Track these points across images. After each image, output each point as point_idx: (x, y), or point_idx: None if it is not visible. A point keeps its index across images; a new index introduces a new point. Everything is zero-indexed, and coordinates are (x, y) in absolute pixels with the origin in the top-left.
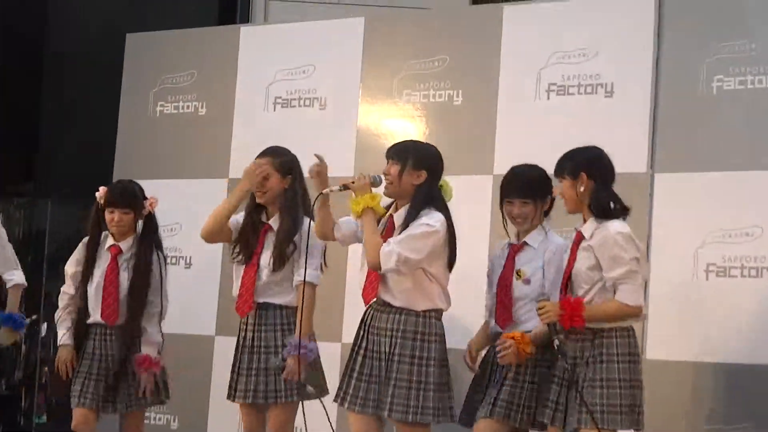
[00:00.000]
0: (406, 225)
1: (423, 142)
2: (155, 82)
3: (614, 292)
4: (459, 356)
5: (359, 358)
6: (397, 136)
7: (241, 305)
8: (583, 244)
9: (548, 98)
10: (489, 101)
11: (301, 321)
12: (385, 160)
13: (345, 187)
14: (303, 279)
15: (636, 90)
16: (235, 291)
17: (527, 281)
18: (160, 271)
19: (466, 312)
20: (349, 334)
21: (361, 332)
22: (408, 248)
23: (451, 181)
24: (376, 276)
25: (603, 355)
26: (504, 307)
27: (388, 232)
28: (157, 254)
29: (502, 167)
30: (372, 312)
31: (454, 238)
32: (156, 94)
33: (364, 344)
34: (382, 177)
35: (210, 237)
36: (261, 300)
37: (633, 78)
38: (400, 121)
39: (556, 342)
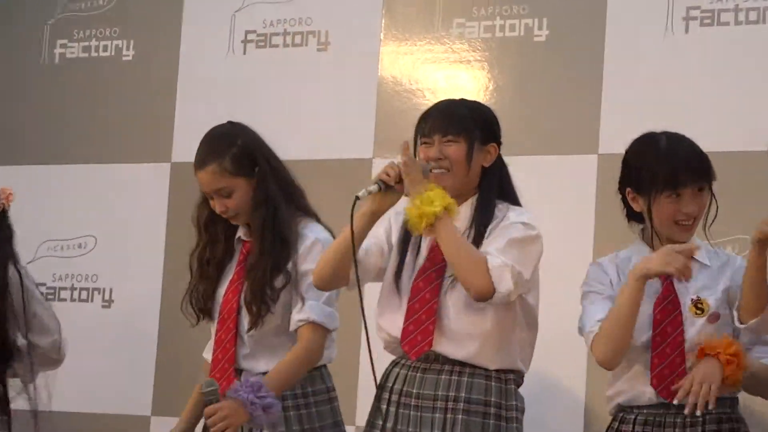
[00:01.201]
0: (480, 231)
1: (476, 101)
2: (52, 10)
3: None
4: None
5: None
6: (442, 93)
7: (219, 376)
8: None
9: (686, 30)
10: (591, 35)
11: (285, 370)
12: (417, 132)
13: (385, 186)
14: (304, 318)
15: None
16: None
17: (715, 317)
18: (23, 294)
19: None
20: (365, 413)
21: (384, 405)
22: (517, 259)
23: (527, 163)
24: (428, 312)
25: None
26: (672, 363)
27: (435, 253)
28: (16, 268)
29: (612, 143)
30: (404, 372)
31: None
32: (54, 29)
33: (389, 424)
34: (428, 165)
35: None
36: (245, 366)
37: None
38: (448, 69)
39: None
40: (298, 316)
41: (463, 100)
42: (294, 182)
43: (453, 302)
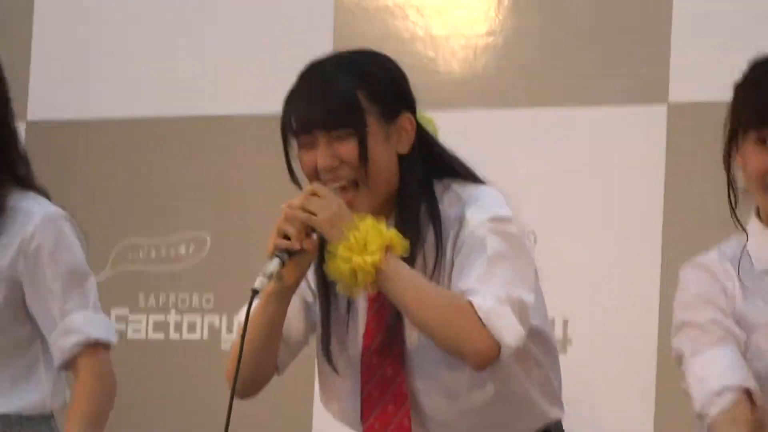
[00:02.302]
0: (432, 252)
1: (359, 51)
2: None
3: None
4: None
5: None
6: (432, 12)
7: None
8: None
9: None
10: None
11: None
12: (286, 126)
13: (289, 254)
14: (81, 341)
15: None
16: None
17: None
18: None
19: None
20: None
21: None
22: (510, 281)
23: (566, 118)
24: (397, 398)
25: None
26: None
27: (379, 303)
28: None
29: (684, 89)
30: None
31: None
32: None
33: None
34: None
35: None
36: None
37: None
38: None
39: None
40: (67, 339)
41: (338, 57)
42: (17, 145)
43: (426, 369)
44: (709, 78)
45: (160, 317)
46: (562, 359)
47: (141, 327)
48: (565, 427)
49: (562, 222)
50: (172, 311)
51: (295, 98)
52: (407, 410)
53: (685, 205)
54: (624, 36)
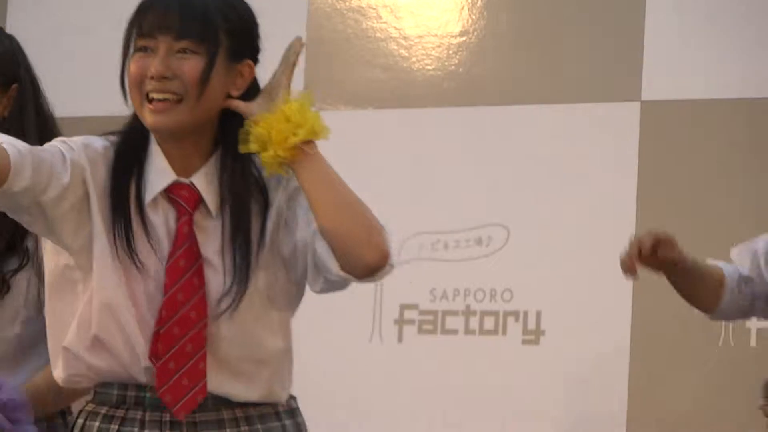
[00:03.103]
0: (245, 204)
1: None
2: None
3: None
4: None
5: None
6: (406, 13)
7: None
8: None
9: None
10: None
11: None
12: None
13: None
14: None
15: None
16: None
17: None
18: None
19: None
20: None
21: None
22: None
23: (542, 114)
24: (196, 341)
25: None
26: None
27: (189, 239)
28: None
29: (657, 87)
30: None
31: None
32: None
33: None
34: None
35: None
36: None
37: None
38: None
39: None
40: None
41: None
42: (58, 129)
43: (233, 316)
44: (681, 76)
45: None
46: (536, 349)
47: None
48: (539, 414)
49: (536, 217)
50: None
51: (150, 2)
52: (204, 354)
53: (657, 200)
54: (597, 35)
